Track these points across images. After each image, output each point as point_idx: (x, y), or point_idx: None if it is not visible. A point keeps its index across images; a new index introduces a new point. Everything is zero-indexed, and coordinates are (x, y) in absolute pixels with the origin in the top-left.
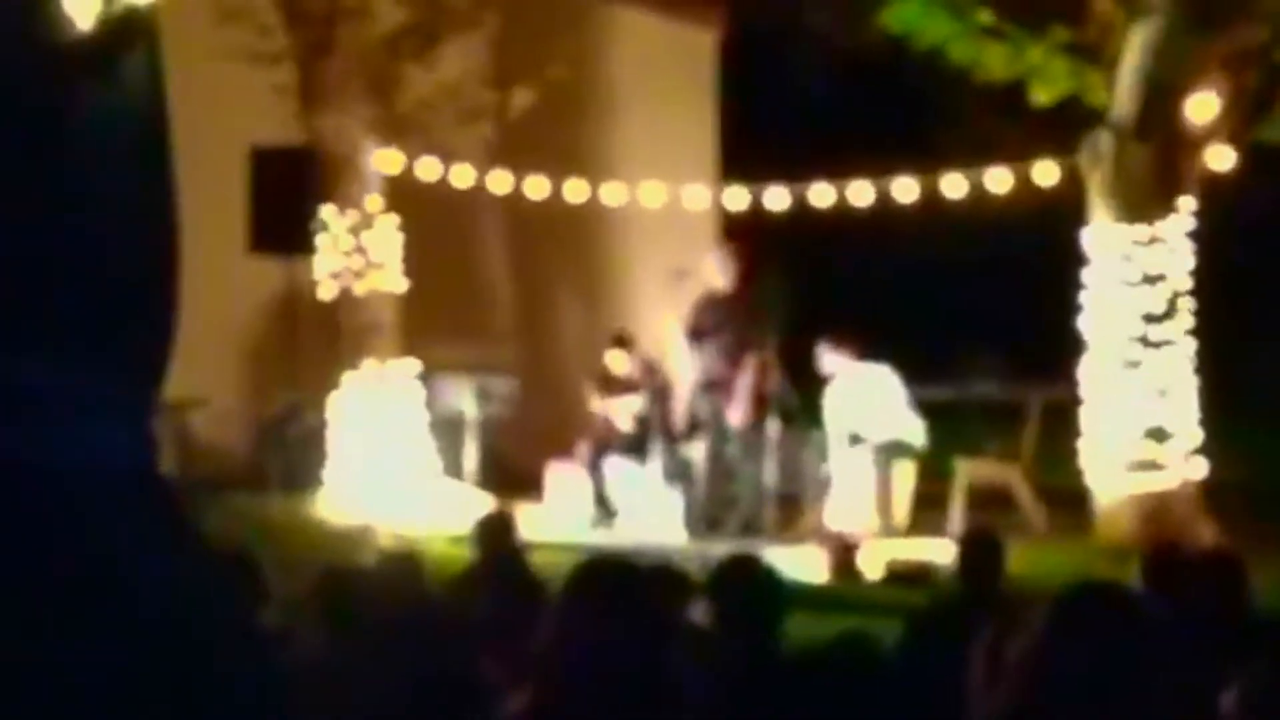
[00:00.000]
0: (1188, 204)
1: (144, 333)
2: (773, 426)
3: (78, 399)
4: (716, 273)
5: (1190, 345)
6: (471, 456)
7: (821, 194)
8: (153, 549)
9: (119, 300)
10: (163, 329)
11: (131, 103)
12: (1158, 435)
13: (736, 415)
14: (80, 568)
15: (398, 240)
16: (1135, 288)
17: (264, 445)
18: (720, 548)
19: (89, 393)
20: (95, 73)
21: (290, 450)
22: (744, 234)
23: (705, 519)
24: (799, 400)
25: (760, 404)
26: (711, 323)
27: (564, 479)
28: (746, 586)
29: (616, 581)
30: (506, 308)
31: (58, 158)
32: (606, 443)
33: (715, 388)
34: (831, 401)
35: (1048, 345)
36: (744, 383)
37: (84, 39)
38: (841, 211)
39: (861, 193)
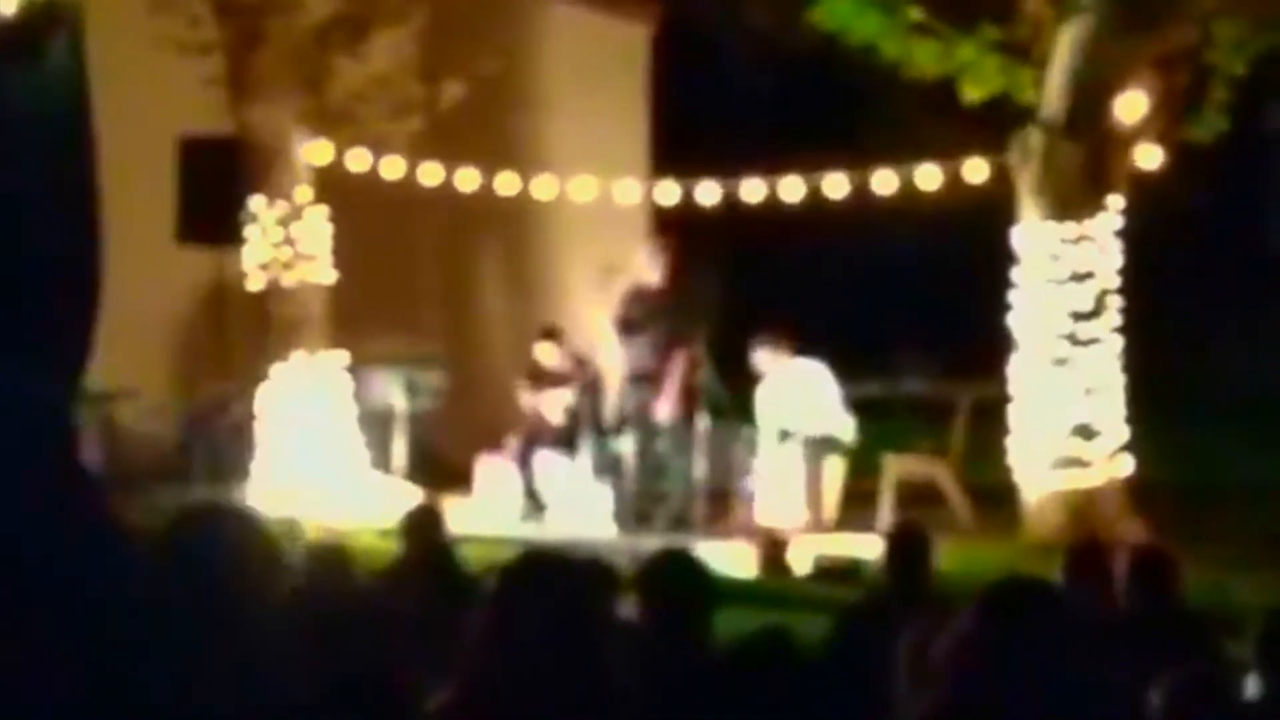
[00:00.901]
0: (1116, 202)
1: (65, 320)
2: (703, 421)
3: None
4: (646, 267)
5: (1118, 343)
6: (401, 449)
7: (753, 189)
8: (67, 539)
9: (39, 285)
10: (84, 316)
11: (54, 90)
12: (1085, 433)
13: (665, 409)
14: None
15: (327, 232)
16: (1064, 286)
17: (191, 437)
18: (650, 542)
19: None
20: (16, 60)
21: (217, 442)
22: (675, 229)
23: (635, 513)
24: (729, 395)
25: (689, 398)
26: (641, 316)
27: (494, 472)
28: (677, 582)
29: (548, 576)
30: (436, 301)
31: None
32: (536, 436)
33: (644, 381)
34: (763, 397)
35: (978, 343)
36: (673, 376)
37: (5, 26)
38: (773, 207)
39: (793, 188)
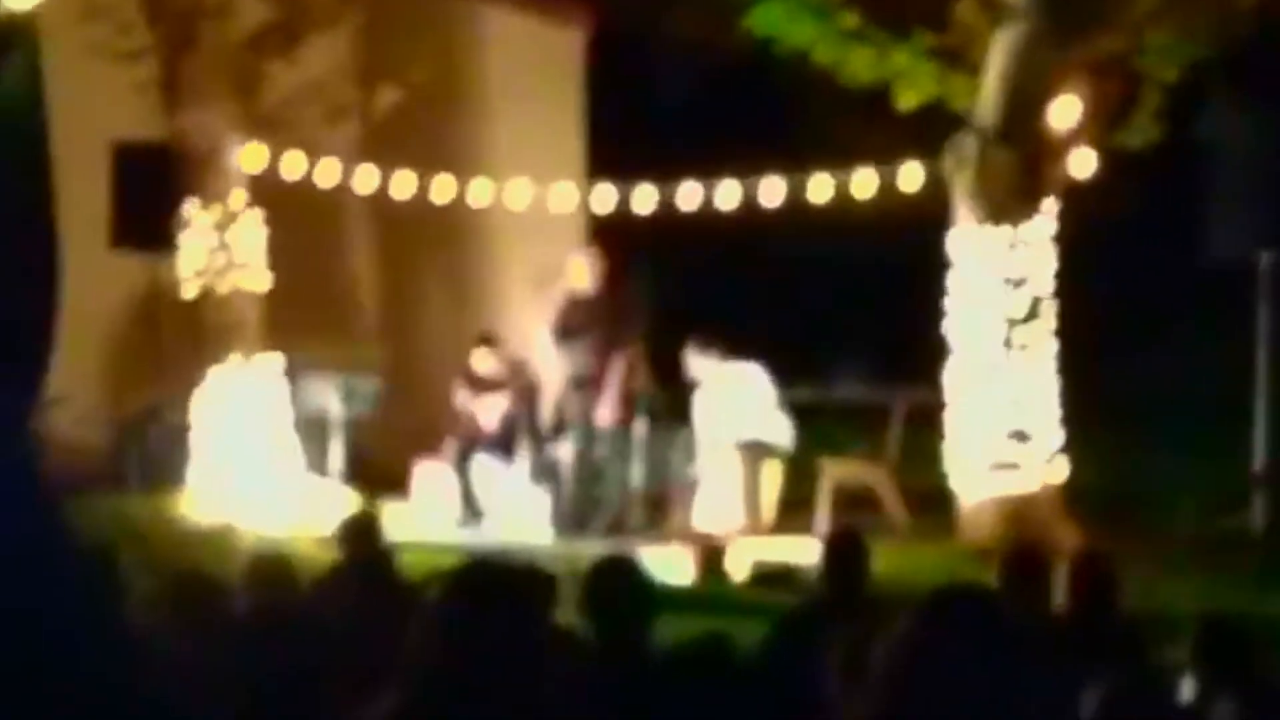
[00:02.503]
0: (1050, 207)
1: (26, 334)
2: (640, 426)
3: None
4: (581, 274)
5: (1053, 348)
6: (337, 455)
7: (689, 193)
8: (33, 558)
9: (4, 308)
10: (45, 330)
11: (10, 106)
12: (1019, 437)
13: (605, 413)
14: None
15: (262, 237)
16: (998, 291)
17: (124, 443)
18: (587, 548)
19: None
20: None
21: (151, 448)
22: (611, 234)
23: (572, 518)
24: (666, 399)
25: (628, 402)
26: (577, 322)
27: (431, 478)
28: (619, 589)
29: (490, 584)
30: (373, 306)
31: None
32: (473, 442)
33: (584, 386)
34: (700, 402)
35: (913, 347)
36: (611, 381)
37: None
38: (708, 213)
39: (729, 193)
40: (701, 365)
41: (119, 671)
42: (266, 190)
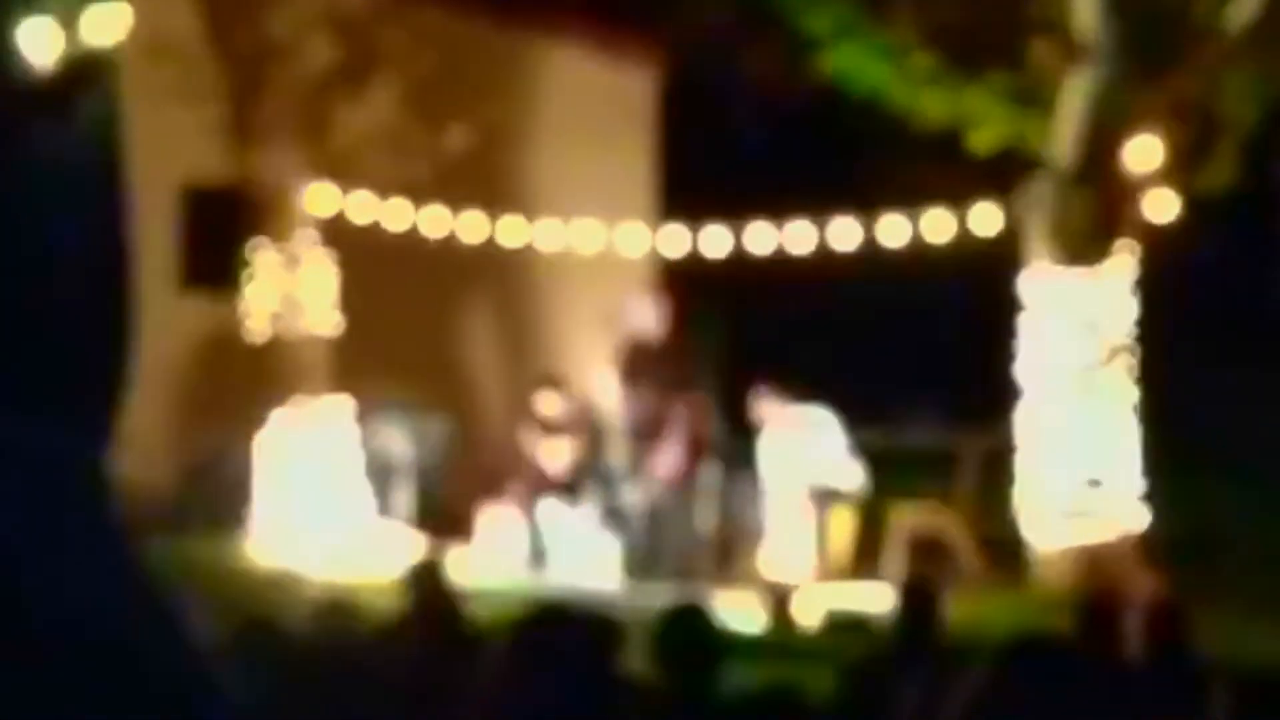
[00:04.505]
0: (1128, 250)
1: (97, 377)
2: (709, 470)
3: (31, 452)
4: (647, 318)
5: (1132, 393)
6: (404, 499)
7: (759, 233)
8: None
9: (69, 344)
10: (118, 374)
11: (89, 144)
12: (1096, 484)
13: (666, 463)
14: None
15: (330, 279)
16: (1074, 334)
17: (190, 486)
18: (656, 594)
19: (41, 445)
20: (52, 114)
21: (217, 492)
22: (682, 277)
23: (641, 564)
24: (736, 444)
25: (697, 448)
26: (643, 367)
27: (497, 522)
28: (690, 637)
29: (557, 631)
30: (440, 349)
31: (11, 199)
32: (540, 486)
33: (646, 433)
34: (768, 446)
35: (985, 391)
36: (676, 429)
37: (42, 79)
38: (778, 256)
39: (800, 233)
40: (771, 410)
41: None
42: (334, 232)
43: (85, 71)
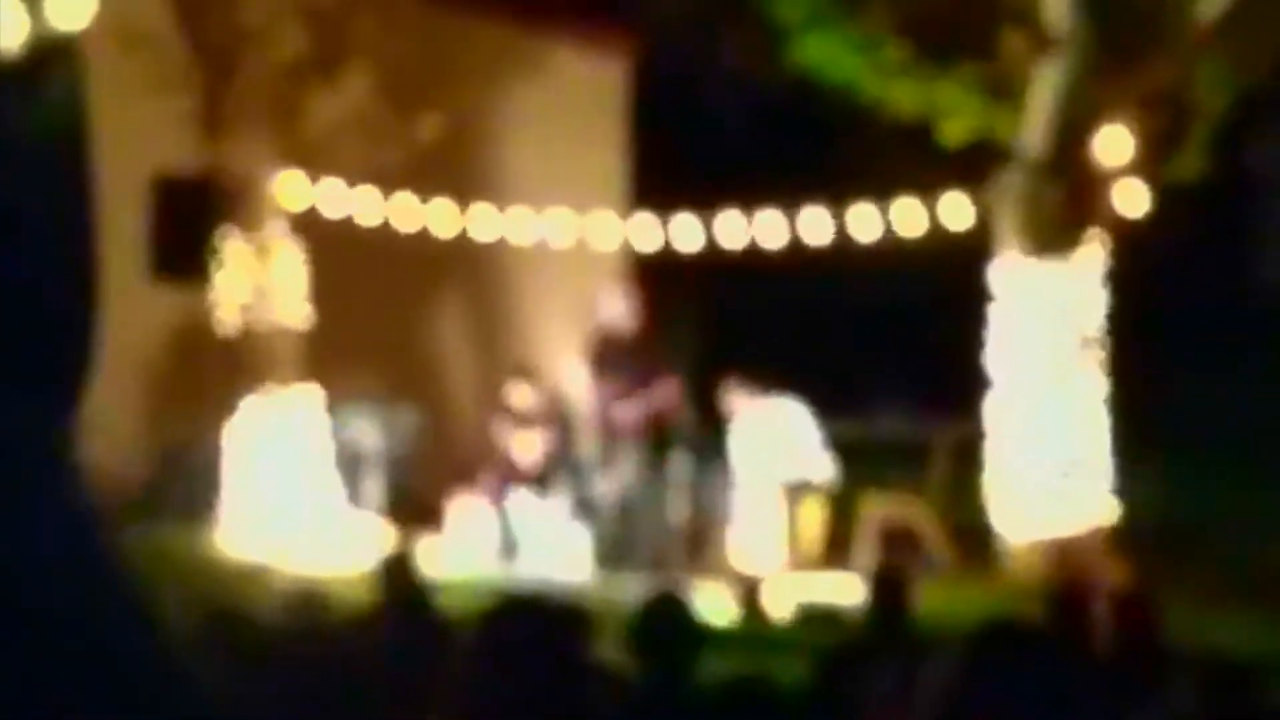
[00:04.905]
0: (1098, 239)
1: (68, 356)
2: (680, 461)
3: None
4: (618, 309)
5: (1101, 383)
6: (374, 490)
7: (730, 222)
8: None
9: (42, 324)
10: (82, 348)
11: (54, 124)
12: (1066, 474)
13: (627, 412)
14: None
15: (300, 269)
16: (1043, 324)
17: (161, 476)
18: (627, 584)
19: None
20: (17, 94)
21: (188, 481)
22: (653, 267)
23: (611, 555)
24: (707, 435)
25: (659, 424)
26: (614, 359)
27: (468, 513)
28: (669, 626)
29: (528, 621)
30: (410, 338)
31: None
32: (510, 477)
33: (620, 421)
34: (738, 437)
35: (954, 381)
36: (647, 397)
37: (6, 60)
38: (750, 247)
39: (771, 223)
40: (740, 401)
41: (166, 700)
42: (305, 220)
43: (50, 54)
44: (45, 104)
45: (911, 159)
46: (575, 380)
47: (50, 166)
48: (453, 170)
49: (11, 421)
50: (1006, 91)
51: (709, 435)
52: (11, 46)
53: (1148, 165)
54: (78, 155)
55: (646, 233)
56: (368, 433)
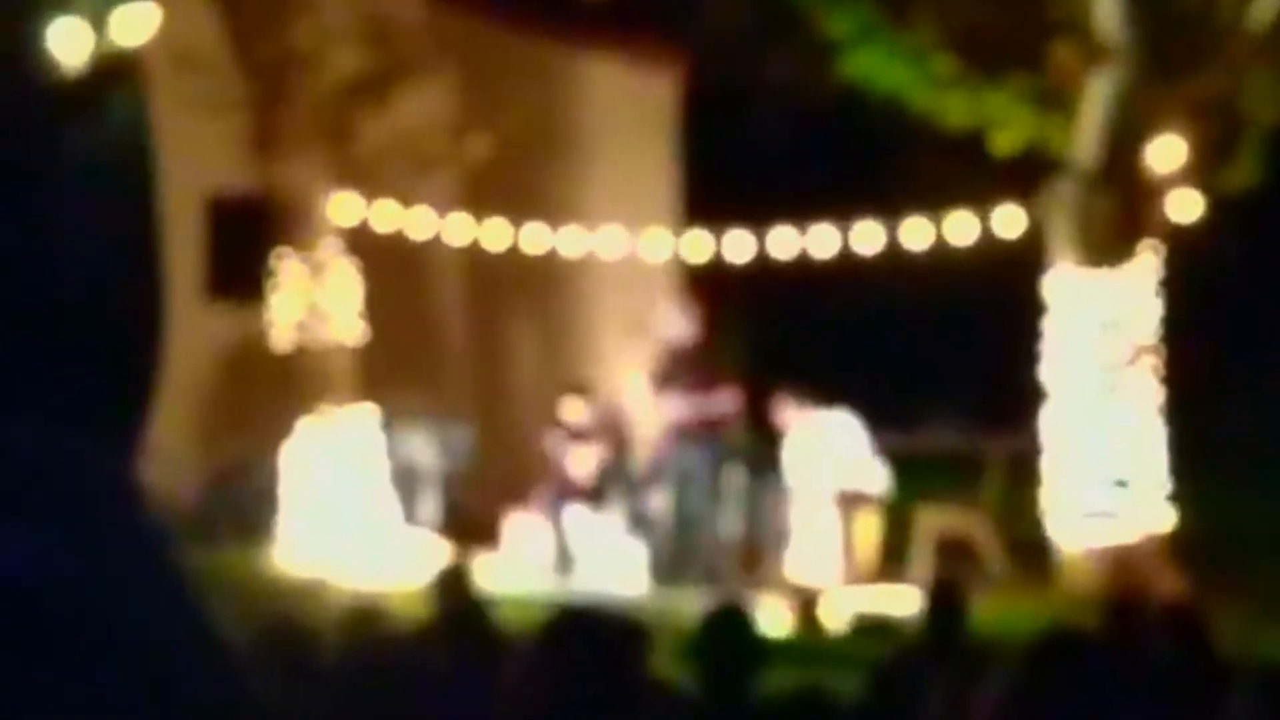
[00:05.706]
0: (1152, 250)
1: (128, 386)
2: (736, 474)
3: (61, 461)
4: (678, 324)
5: (1157, 393)
6: (430, 507)
7: (782, 237)
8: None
9: (105, 345)
10: (146, 381)
11: (118, 144)
12: (1121, 485)
13: (681, 409)
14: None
15: (354, 288)
16: (1098, 335)
17: (216, 496)
18: (682, 598)
19: (70, 454)
20: (82, 114)
21: (243, 501)
22: (706, 281)
23: (667, 569)
24: (761, 448)
25: (712, 428)
26: (677, 370)
27: (523, 529)
28: (731, 640)
29: (584, 636)
30: (465, 356)
31: (43, 199)
32: (566, 492)
33: (683, 435)
34: (792, 451)
35: (1010, 393)
36: (713, 401)
37: (72, 80)
38: (802, 260)
39: (824, 237)
40: (793, 414)
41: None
42: (359, 240)
43: (115, 71)
44: (111, 123)
45: (963, 171)
46: (632, 394)
47: (117, 189)
48: (504, 189)
49: (85, 445)
50: (1057, 102)
51: (762, 448)
52: (78, 64)
53: (1200, 174)
54: (144, 175)
55: (698, 249)
56: (423, 450)
